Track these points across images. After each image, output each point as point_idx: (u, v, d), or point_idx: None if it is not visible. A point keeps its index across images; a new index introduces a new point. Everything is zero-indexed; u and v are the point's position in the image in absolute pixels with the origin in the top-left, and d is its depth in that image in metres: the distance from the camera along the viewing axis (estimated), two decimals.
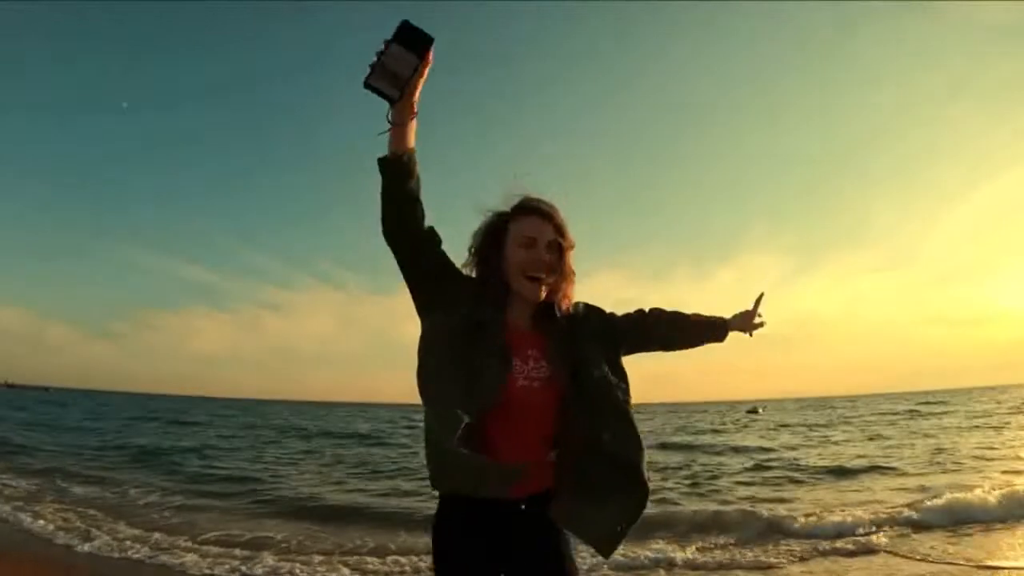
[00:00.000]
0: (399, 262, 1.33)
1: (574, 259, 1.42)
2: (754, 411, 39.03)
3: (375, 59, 1.13)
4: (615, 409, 1.37)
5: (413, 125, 1.24)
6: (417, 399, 1.32)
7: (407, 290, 1.35)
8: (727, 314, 1.62)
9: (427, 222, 1.32)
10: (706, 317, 1.61)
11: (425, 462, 1.34)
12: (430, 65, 1.17)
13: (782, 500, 7.59)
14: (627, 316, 1.55)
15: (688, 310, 1.60)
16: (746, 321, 1.62)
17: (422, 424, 1.34)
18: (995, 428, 17.00)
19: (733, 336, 1.62)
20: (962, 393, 67.16)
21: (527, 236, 1.36)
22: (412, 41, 1.14)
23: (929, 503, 6.27)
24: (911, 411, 28.55)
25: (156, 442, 15.56)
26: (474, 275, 1.41)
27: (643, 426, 1.40)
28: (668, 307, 1.59)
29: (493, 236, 1.40)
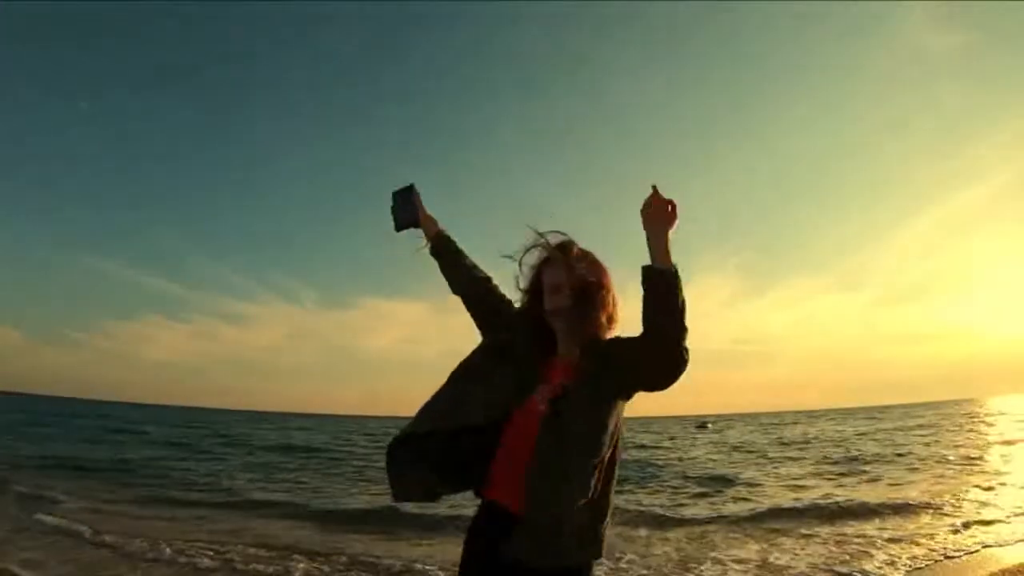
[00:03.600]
0: (470, 314, 1.72)
1: (609, 290, 1.55)
2: (703, 426, 39.13)
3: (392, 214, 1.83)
4: (565, 459, 1.41)
5: (434, 221, 1.80)
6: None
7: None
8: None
9: (482, 276, 1.74)
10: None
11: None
12: (419, 198, 1.81)
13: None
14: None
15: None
16: (651, 229, 1.39)
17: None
18: (912, 446, 16.49)
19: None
20: (904, 408, 68.87)
21: (550, 284, 1.54)
22: (404, 194, 1.81)
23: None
24: (853, 429, 28.55)
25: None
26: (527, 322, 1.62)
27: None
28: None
29: (534, 286, 1.59)
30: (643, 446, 20.87)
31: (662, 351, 1.37)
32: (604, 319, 1.53)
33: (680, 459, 16.39)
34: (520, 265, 1.61)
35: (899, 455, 14.85)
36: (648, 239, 1.38)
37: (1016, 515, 7.02)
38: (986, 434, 21.10)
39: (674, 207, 1.36)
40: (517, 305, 1.66)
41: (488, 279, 1.74)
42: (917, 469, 12.08)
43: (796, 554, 5.60)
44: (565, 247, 1.56)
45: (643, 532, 6.81)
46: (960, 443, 17.50)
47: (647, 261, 1.38)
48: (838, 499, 8.57)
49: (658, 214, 1.37)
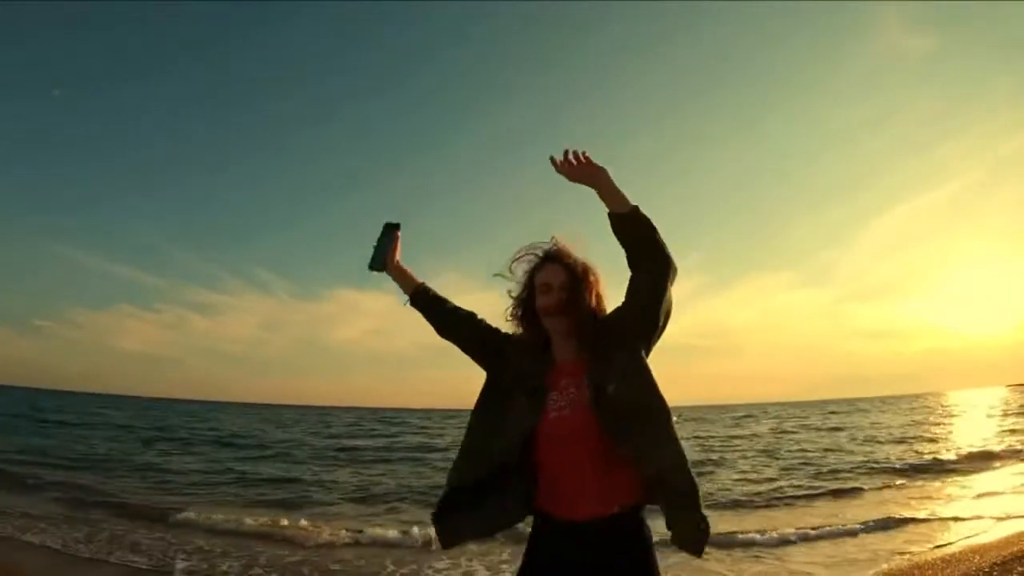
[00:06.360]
0: (466, 353, 1.73)
1: (598, 282, 1.61)
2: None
3: (374, 247, 1.76)
4: (641, 423, 1.44)
5: (406, 273, 1.78)
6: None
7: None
8: None
9: (465, 315, 1.75)
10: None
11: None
12: (399, 240, 1.78)
13: None
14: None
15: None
16: (591, 183, 1.57)
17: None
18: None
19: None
20: (868, 401, 70.60)
21: (542, 283, 1.59)
22: (390, 231, 1.77)
23: None
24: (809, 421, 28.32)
25: None
26: (520, 331, 1.66)
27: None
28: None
29: (526, 294, 1.63)
30: None
31: (649, 253, 1.51)
32: (594, 300, 1.58)
33: None
34: (512, 273, 1.68)
35: (861, 454, 14.47)
36: (599, 194, 1.53)
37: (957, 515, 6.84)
38: (943, 429, 21.20)
39: (580, 156, 1.50)
40: (507, 328, 1.71)
41: (472, 315, 1.77)
42: (864, 471, 11.70)
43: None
44: (555, 249, 1.62)
45: None
46: (914, 439, 17.51)
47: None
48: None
49: (579, 172, 1.52)
